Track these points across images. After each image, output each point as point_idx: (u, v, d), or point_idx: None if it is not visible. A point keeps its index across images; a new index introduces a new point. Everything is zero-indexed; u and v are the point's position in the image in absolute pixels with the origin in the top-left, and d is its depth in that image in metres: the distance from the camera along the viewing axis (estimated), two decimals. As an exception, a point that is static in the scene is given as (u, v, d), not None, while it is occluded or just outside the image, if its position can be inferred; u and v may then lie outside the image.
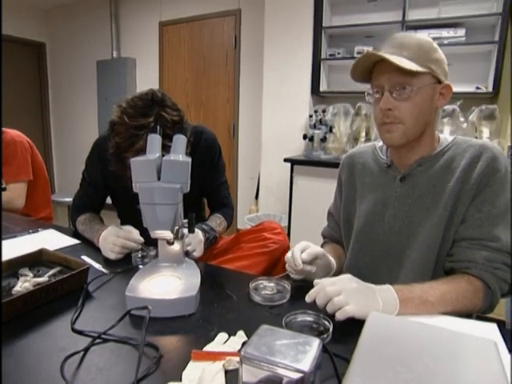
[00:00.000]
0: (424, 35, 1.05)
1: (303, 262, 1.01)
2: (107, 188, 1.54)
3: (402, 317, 0.85)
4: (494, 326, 0.87)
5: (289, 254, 1.05)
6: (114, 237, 1.23)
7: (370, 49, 3.11)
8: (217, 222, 1.52)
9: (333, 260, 1.14)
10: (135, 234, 1.24)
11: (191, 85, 4.67)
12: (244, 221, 3.49)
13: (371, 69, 1.04)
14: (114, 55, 5.08)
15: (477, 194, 0.98)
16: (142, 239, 1.24)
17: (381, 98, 1.01)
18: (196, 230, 1.25)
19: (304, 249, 1.04)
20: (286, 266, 1.07)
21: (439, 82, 1.01)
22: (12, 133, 2.18)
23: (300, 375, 0.51)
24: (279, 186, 3.58)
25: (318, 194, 2.90)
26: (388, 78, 0.99)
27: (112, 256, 1.23)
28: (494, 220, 0.97)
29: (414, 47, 0.98)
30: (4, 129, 2.15)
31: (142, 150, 1.08)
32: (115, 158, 1.25)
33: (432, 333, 0.62)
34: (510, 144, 2.39)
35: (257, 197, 3.98)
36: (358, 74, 1.06)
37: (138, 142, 1.17)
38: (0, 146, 2.02)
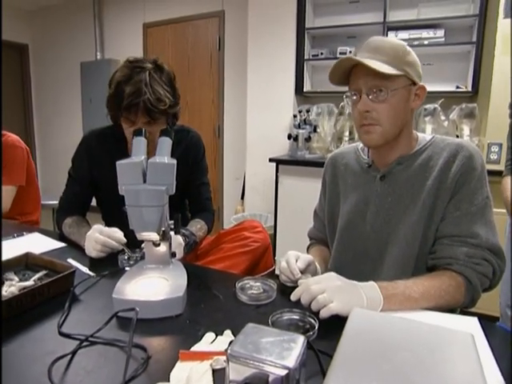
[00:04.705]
0: (397, 39, 1.07)
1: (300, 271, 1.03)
2: (93, 185, 1.54)
3: (384, 312, 0.87)
4: (475, 320, 0.89)
5: (283, 264, 1.06)
6: (97, 234, 1.22)
7: (353, 49, 3.15)
8: (197, 226, 1.51)
9: (318, 266, 1.15)
10: (119, 233, 1.24)
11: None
12: (230, 221, 3.50)
13: (348, 73, 1.06)
14: (98, 57, 5.04)
15: (455, 192, 1.01)
16: (124, 239, 1.23)
17: (359, 101, 1.04)
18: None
19: (296, 257, 1.06)
20: (281, 275, 1.08)
21: (414, 83, 1.04)
22: (13, 137, 2.20)
23: (285, 371, 0.53)
24: (264, 186, 3.60)
25: (304, 193, 2.93)
26: (365, 81, 1.01)
27: (93, 254, 1.22)
28: (472, 217, 0.99)
29: (388, 51, 1.01)
30: (4, 132, 2.17)
31: (140, 82, 1.26)
32: (113, 97, 1.33)
33: (412, 327, 0.64)
34: (489, 142, 2.44)
35: (242, 197, 3.99)
36: (336, 78, 1.08)
37: (135, 76, 1.29)
38: (0, 148, 2.01)
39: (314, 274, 1.11)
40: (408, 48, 1.03)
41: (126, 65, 1.33)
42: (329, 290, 0.86)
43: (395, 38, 1.08)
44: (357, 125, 1.09)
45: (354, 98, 1.06)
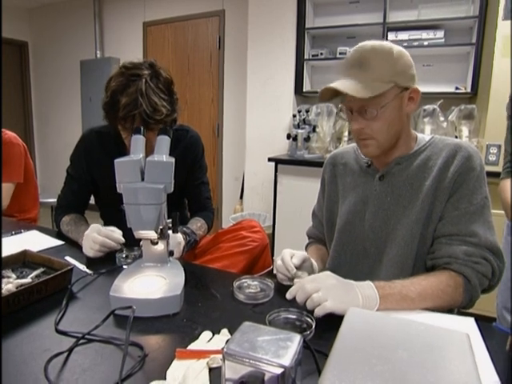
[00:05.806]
0: (387, 42, 1.02)
1: (295, 268, 1.03)
2: (92, 183, 1.54)
3: (379, 312, 0.87)
4: (471, 320, 0.90)
5: (279, 262, 1.07)
6: (95, 234, 1.22)
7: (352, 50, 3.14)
8: (197, 225, 1.51)
9: (315, 263, 1.16)
10: (117, 233, 1.24)
11: (175, 85, 4.64)
12: (228, 220, 3.50)
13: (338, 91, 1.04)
14: (98, 55, 5.03)
15: (453, 192, 1.01)
16: (122, 239, 1.23)
17: (351, 117, 1.05)
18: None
19: (291, 255, 1.07)
20: (278, 274, 1.08)
21: (406, 88, 1.02)
22: (10, 134, 2.19)
23: (281, 370, 0.53)
24: (263, 186, 3.60)
25: (302, 192, 2.93)
26: (353, 102, 1.02)
27: (90, 253, 1.22)
28: (471, 217, 0.99)
29: (375, 65, 0.98)
30: (2, 129, 2.15)
31: (136, 92, 1.24)
32: (108, 106, 1.31)
33: (408, 327, 0.64)
34: (487, 143, 2.45)
35: (241, 196, 3.99)
36: (326, 99, 1.08)
37: (131, 85, 1.26)
38: (0, 147, 2.00)
39: (310, 270, 1.11)
40: (398, 52, 1.00)
41: (121, 72, 1.30)
42: (324, 289, 0.87)
43: (384, 42, 1.02)
44: (354, 138, 1.10)
45: (348, 112, 1.06)
